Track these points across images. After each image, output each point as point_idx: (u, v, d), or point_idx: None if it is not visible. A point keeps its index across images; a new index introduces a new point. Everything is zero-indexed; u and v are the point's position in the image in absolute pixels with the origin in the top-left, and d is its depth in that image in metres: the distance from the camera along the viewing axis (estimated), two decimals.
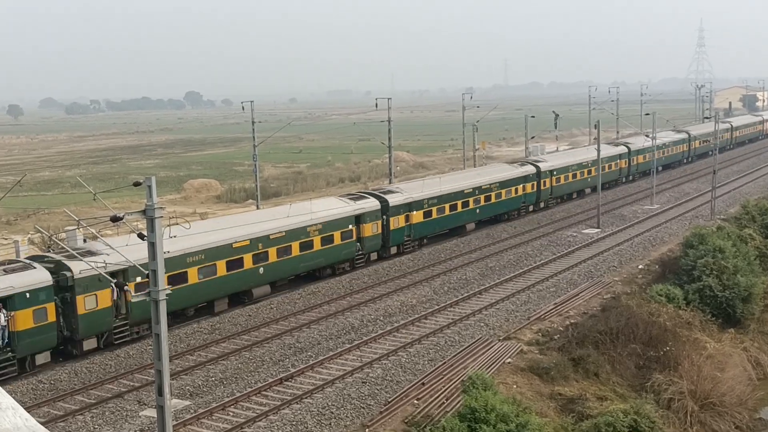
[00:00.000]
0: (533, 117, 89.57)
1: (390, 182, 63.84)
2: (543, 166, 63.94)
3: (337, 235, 43.49)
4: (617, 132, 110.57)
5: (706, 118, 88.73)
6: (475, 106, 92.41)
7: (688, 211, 62.42)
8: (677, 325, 34.50)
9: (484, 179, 56.63)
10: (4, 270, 29.99)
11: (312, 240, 41.93)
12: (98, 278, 30.66)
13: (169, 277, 32.03)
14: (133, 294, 27.49)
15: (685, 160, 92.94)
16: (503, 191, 58.31)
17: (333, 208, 43.78)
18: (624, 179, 77.98)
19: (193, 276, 35.36)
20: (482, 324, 35.26)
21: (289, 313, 37.89)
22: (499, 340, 33.27)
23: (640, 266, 45.89)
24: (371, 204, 46.23)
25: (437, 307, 38.04)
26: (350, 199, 46.24)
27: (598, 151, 59.15)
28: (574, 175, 68.26)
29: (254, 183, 62.37)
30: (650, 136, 70.48)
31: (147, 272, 18.68)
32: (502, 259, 47.83)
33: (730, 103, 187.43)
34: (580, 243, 51.96)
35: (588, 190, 70.96)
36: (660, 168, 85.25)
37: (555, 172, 65.31)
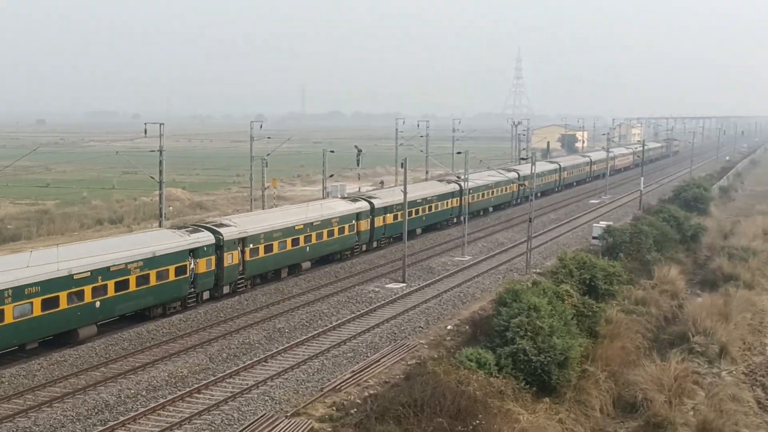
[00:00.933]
0: (333, 152, 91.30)
1: (160, 225, 62.55)
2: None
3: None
4: (426, 172, 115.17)
5: (523, 159, 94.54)
6: (265, 137, 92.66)
7: (501, 264, 65.88)
8: (488, 395, 35.97)
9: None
10: (189, 231, 49.53)
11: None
12: (234, 242, 50.79)
13: None
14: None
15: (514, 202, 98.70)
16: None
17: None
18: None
19: None
20: (267, 398, 35.16)
21: (25, 388, 35.79)
22: (287, 416, 33.23)
23: (448, 327, 47.63)
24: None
25: (213, 378, 37.50)
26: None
27: (404, 193, 61.17)
28: (416, 212, 74.58)
29: None
30: (461, 176, 74.05)
31: None
32: (293, 319, 48.06)
33: (548, 143, 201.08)
34: (382, 299, 53.27)
35: (419, 230, 77.60)
36: (490, 209, 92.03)
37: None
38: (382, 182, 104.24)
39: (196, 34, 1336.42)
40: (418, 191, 76.97)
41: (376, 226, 68.95)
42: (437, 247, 73.24)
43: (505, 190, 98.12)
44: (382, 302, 52.47)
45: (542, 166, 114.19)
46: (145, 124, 64.30)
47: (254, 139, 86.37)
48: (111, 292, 42.96)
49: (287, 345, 42.82)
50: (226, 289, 52.23)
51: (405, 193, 60.95)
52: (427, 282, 58.73)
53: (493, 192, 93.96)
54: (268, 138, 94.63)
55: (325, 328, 46.24)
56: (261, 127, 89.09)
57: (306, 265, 60.64)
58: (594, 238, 74.94)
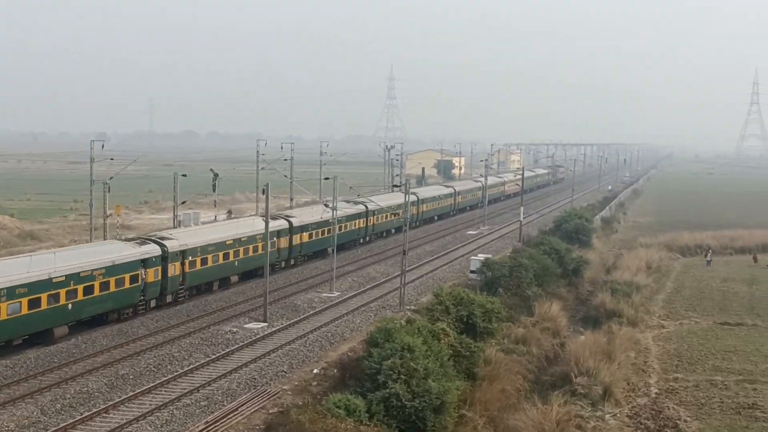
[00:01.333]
0: (185, 176, 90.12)
1: None
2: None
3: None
4: (291, 199, 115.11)
5: (396, 186, 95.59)
6: (108, 158, 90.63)
7: (373, 300, 66.15)
8: None
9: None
10: (138, 243, 58.10)
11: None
12: (177, 254, 59.76)
13: None
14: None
15: (364, 238, 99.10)
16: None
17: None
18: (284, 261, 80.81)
19: None
20: None
21: None
22: None
23: (315, 370, 47.37)
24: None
25: None
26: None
27: (267, 222, 60.71)
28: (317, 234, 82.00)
29: None
30: (330, 205, 74.19)
31: None
32: (138, 364, 46.85)
33: (423, 168, 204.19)
34: (241, 341, 52.61)
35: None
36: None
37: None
38: (230, 211, 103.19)
39: (18, 42, 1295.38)
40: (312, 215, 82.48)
41: (293, 244, 78.16)
42: (302, 282, 72.92)
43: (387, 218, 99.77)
44: (241, 344, 51.80)
45: (437, 190, 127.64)
46: None
47: (95, 161, 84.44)
48: (80, 295, 51.59)
49: (132, 393, 41.70)
50: (169, 298, 60.65)
51: (267, 221, 60.50)
52: (291, 321, 58.37)
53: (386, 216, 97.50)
54: (111, 159, 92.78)
55: (176, 373, 45.25)
56: (103, 146, 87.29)
57: (234, 278, 68.81)
58: (472, 272, 76.17)
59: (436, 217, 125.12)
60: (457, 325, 55.88)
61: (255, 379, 45.16)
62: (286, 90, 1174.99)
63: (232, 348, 50.83)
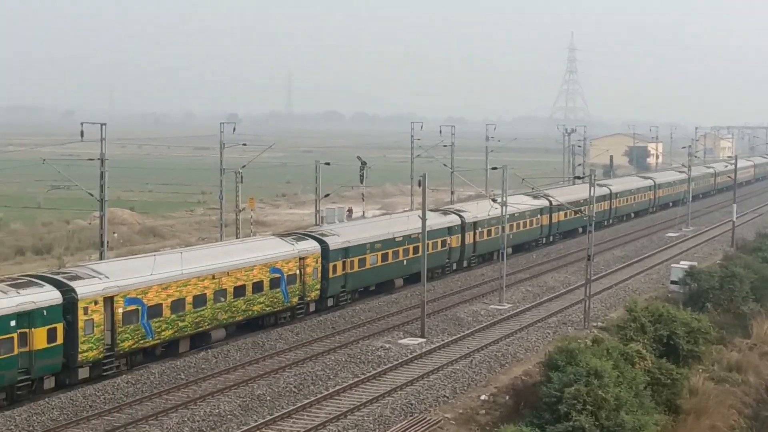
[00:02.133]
0: (328, 164, 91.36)
1: (102, 256, 62.55)
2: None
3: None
4: (452, 192, 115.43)
5: (578, 177, 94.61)
6: (240, 144, 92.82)
7: (551, 315, 65.66)
8: None
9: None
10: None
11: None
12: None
13: None
14: None
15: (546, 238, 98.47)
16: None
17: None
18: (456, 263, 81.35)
19: None
20: None
21: None
22: None
23: (482, 397, 47.32)
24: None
25: None
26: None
27: (423, 219, 61.06)
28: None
29: None
30: (498, 200, 74.02)
31: None
32: (277, 384, 47.89)
33: (611, 156, 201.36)
34: (395, 359, 53.03)
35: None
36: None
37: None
38: (350, 210, 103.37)
39: (151, 5, 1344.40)
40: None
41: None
42: (466, 292, 73.10)
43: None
44: (395, 363, 52.27)
45: (634, 182, 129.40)
46: (82, 124, 64.40)
47: (225, 146, 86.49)
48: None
49: (269, 417, 42.55)
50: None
51: (424, 219, 60.84)
52: (454, 337, 58.52)
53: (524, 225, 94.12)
54: (244, 144, 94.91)
55: (320, 396, 46.00)
56: (234, 130, 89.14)
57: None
58: (673, 282, 74.79)
59: (632, 215, 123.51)
60: (656, 346, 55.02)
61: (412, 404, 45.47)
62: (445, 65, 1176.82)
63: (385, 367, 51.33)
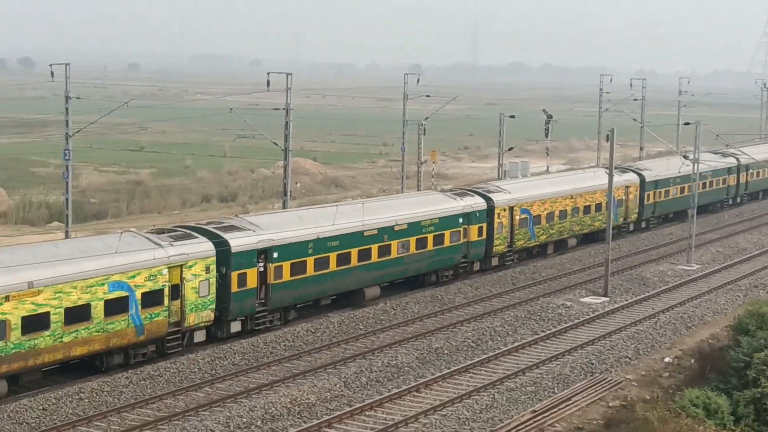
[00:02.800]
0: (513, 117, 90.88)
1: (285, 206, 63.81)
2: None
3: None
4: (641, 148, 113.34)
5: None
6: (423, 95, 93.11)
7: (742, 277, 64.19)
8: None
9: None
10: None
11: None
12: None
13: None
14: None
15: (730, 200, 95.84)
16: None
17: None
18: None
19: None
20: None
21: (110, 408, 37.30)
22: None
23: (666, 359, 46.76)
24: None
25: (349, 409, 37.96)
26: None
27: (611, 176, 60.32)
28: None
29: (64, 196, 61.23)
30: (690, 157, 72.38)
31: None
32: (455, 338, 48.18)
33: None
34: (576, 318, 52.80)
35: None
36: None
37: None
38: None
39: None
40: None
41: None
42: (652, 251, 72.08)
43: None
44: (576, 321, 52.00)
45: None
46: (268, 73, 65.61)
47: (408, 98, 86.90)
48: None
49: (446, 371, 42.90)
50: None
51: (611, 174, 60.17)
52: (638, 297, 57.84)
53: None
54: (427, 96, 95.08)
55: (498, 351, 46.15)
56: (418, 81, 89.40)
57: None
58: None
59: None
60: None
61: (592, 364, 45.16)
62: (638, 16, 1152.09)
63: (565, 325, 51.13)
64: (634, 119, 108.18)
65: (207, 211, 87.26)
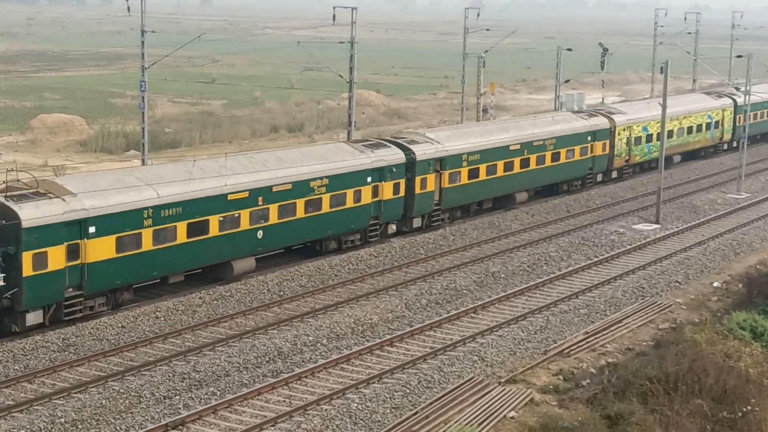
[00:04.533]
0: (570, 50, 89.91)
1: (349, 136, 63.97)
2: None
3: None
4: (693, 81, 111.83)
5: None
6: (483, 29, 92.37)
7: None
8: (765, 374, 35.14)
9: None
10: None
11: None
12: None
13: None
14: None
15: None
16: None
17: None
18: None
19: None
20: (475, 357, 35.67)
21: (184, 326, 37.93)
22: (500, 382, 33.65)
23: (715, 284, 46.69)
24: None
25: (410, 329, 38.35)
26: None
27: (664, 106, 59.74)
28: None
29: (141, 126, 61.92)
30: (742, 89, 71.42)
31: None
32: (511, 262, 48.33)
33: None
34: (628, 244, 52.70)
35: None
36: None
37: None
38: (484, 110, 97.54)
39: None
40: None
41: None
42: (703, 180, 71.52)
43: None
44: (627, 247, 51.91)
45: None
46: (334, 8, 65.36)
47: (469, 31, 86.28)
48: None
49: (503, 294, 43.14)
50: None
51: (664, 106, 59.60)
52: (688, 224, 57.59)
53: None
54: (487, 30, 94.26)
55: (552, 276, 46.27)
56: (478, 15, 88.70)
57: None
58: None
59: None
60: None
61: (643, 288, 45.12)
62: None
63: (618, 251, 51.05)
64: (688, 52, 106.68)
65: (275, 141, 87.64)
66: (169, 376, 33.08)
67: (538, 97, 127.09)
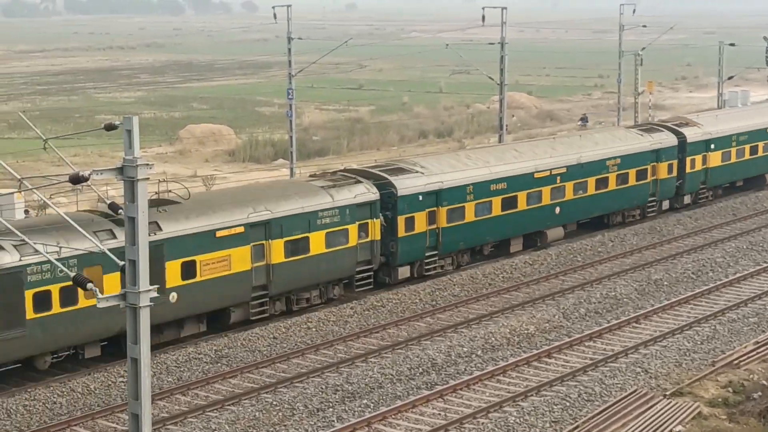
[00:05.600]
0: (733, 45, 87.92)
1: (501, 140, 63.76)
2: None
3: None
4: None
5: None
6: (640, 26, 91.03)
7: None
8: None
9: None
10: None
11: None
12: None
13: None
14: None
15: None
16: None
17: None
18: None
19: None
20: (639, 369, 35.16)
21: (336, 337, 38.35)
22: (665, 395, 33.09)
23: None
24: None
25: (568, 339, 38.08)
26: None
27: None
28: None
29: (288, 134, 62.91)
30: None
31: None
32: (674, 269, 47.48)
33: None
34: None
35: None
36: None
37: None
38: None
39: None
40: None
41: None
42: None
43: None
44: None
45: None
46: (483, 8, 65.44)
47: (624, 28, 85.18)
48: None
49: (666, 303, 42.40)
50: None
51: None
52: None
53: None
54: (644, 26, 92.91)
55: (719, 282, 45.28)
56: (634, 12, 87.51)
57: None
58: None
59: None
60: None
61: None
62: None
63: None
64: None
65: (424, 146, 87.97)
66: (321, 388, 33.46)
67: (699, 95, 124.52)
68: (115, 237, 33.95)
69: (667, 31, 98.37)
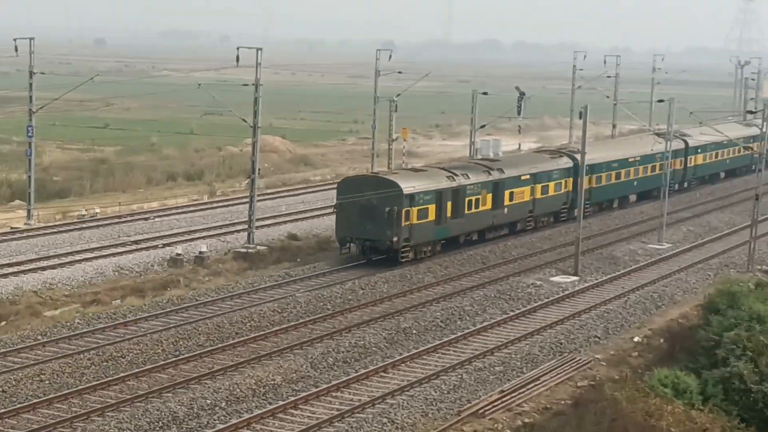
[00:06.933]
0: (485, 94, 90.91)
1: (253, 184, 63.61)
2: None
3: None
4: (614, 126, 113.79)
5: (750, 112, 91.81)
6: (395, 72, 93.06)
7: (713, 256, 64.58)
8: None
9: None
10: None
11: None
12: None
13: None
14: None
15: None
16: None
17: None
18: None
19: None
20: (385, 419, 35.50)
21: (71, 390, 37.20)
22: None
23: (635, 338, 46.99)
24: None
25: (315, 390, 38.09)
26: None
27: (582, 155, 60.50)
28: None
29: (27, 174, 60.99)
30: (665, 136, 72.63)
31: None
32: (423, 317, 48.30)
33: None
34: (545, 297, 53.01)
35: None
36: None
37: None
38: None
39: None
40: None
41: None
42: (623, 230, 72.30)
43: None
44: (545, 300, 52.23)
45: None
46: (238, 48, 65.28)
47: (380, 74, 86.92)
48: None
49: (414, 351, 43.03)
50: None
51: (583, 153, 60.35)
52: (608, 276, 58.13)
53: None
54: (399, 72, 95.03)
55: (467, 331, 46.29)
56: (390, 57, 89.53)
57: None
58: None
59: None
60: None
61: (561, 344, 45.40)
62: None
63: (535, 305, 51.32)
64: (607, 96, 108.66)
65: (172, 189, 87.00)
66: None
67: (452, 143, 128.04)
68: None
69: (422, 78, 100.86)
